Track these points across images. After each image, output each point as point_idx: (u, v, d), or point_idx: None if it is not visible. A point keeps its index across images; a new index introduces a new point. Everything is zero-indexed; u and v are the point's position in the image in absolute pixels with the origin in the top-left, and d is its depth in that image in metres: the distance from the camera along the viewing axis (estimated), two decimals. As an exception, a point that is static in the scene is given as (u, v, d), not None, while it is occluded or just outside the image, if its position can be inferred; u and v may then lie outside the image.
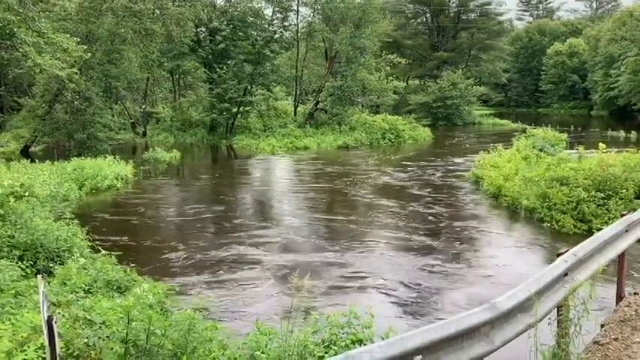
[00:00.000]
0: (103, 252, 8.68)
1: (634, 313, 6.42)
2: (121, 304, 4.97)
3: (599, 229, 7.00)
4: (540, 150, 20.00)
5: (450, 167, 23.70)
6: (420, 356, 3.98)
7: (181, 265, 10.41)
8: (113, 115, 30.19)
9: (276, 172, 24.86)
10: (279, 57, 39.91)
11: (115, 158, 20.72)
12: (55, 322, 2.90)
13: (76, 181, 17.28)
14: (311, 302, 7.94)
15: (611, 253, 6.52)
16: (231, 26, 34.69)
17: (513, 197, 14.90)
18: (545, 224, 12.89)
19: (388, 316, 7.62)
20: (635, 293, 7.18)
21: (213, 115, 34.26)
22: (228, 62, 33.58)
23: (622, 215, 7.26)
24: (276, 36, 37.39)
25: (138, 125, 35.98)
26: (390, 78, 41.69)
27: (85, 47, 18.31)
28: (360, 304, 6.37)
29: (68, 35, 16.79)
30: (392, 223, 13.88)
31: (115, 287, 7.45)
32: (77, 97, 23.98)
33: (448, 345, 4.19)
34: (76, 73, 19.25)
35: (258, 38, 35.03)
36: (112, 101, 29.17)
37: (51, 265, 8.25)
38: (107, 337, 4.68)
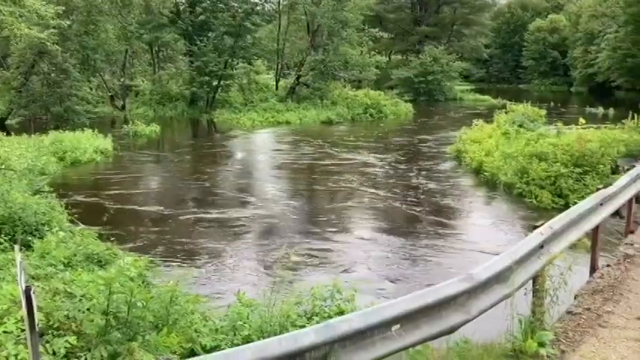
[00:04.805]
0: (82, 226, 8.62)
1: (606, 284, 6.60)
2: (102, 277, 4.95)
3: (576, 204, 7.14)
4: (520, 126, 20.10)
5: (432, 143, 23.81)
6: (398, 325, 4.06)
7: (160, 238, 10.39)
8: (91, 88, 29.61)
9: (257, 148, 24.75)
10: (261, 30, 39.31)
11: (93, 132, 20.38)
12: (34, 293, 2.88)
13: (54, 154, 17.03)
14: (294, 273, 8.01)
15: (587, 226, 6.65)
16: (212, -3, 34.03)
17: (492, 173, 15.05)
18: (524, 199, 13.04)
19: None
20: (608, 265, 7.36)
21: (194, 89, 33.76)
22: (209, 34, 33.01)
23: (597, 189, 7.38)
24: (258, 8, 36.77)
25: (117, 98, 35.34)
26: (372, 52, 41.47)
27: (64, 9, 17.78)
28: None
29: (45, 2, 16.33)
30: (374, 199, 13.97)
31: (95, 261, 7.42)
32: (53, 68, 23.45)
33: (425, 315, 4.27)
34: (55, 44, 18.74)
35: (239, 10, 34.37)
36: (90, 74, 28.60)
37: (29, 238, 8.15)
38: (87, 309, 4.67)
